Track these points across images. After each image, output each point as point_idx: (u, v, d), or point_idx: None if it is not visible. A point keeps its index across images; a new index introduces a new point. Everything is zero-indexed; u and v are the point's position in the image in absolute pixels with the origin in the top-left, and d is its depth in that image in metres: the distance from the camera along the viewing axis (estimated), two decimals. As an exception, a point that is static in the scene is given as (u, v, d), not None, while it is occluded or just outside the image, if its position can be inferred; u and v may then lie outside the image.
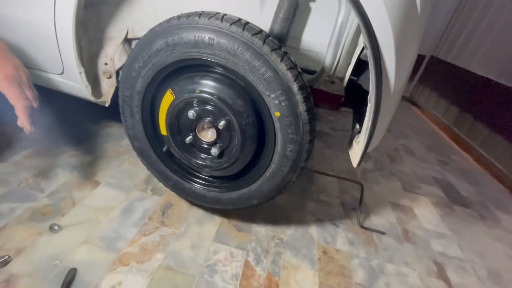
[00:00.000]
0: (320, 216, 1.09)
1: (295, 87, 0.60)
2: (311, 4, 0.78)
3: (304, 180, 1.29)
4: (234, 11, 0.80)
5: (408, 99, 3.11)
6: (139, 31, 0.86)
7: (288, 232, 0.98)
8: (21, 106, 0.55)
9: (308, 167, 1.38)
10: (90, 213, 0.89)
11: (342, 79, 0.85)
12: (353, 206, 1.18)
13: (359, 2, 0.46)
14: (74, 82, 0.80)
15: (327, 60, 0.77)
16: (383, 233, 1.07)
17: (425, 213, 1.25)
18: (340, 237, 1.01)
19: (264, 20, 0.80)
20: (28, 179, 0.96)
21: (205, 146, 0.76)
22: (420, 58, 2.99)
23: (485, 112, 1.96)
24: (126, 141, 1.29)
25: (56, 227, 0.80)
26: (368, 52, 0.51)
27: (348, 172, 1.42)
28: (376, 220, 1.14)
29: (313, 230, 1.01)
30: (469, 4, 2.46)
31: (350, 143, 0.81)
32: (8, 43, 0.60)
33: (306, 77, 0.89)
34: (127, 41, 0.89)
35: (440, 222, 1.22)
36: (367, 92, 0.62)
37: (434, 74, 2.77)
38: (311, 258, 0.90)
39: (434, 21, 2.85)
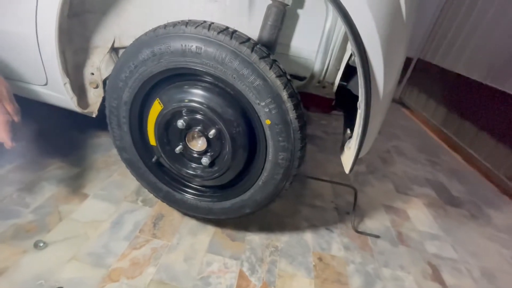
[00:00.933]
0: (315, 221, 1.08)
1: (284, 94, 0.60)
2: (299, 11, 0.79)
3: (298, 185, 1.28)
4: (223, 20, 0.80)
5: (398, 101, 3.16)
6: (126, 40, 0.85)
7: (283, 239, 0.97)
8: (1, 121, 0.53)
9: (301, 173, 1.38)
10: (77, 227, 0.86)
11: (332, 84, 0.85)
12: (347, 210, 1.18)
13: (345, 9, 0.46)
14: (58, 94, 0.78)
15: (316, 66, 0.78)
16: (378, 236, 1.07)
17: (419, 215, 1.26)
18: (335, 242, 1.01)
19: (253, 27, 0.79)
20: (12, 194, 0.93)
21: (195, 155, 0.74)
22: (408, 61, 3.05)
23: (471, 112, 2.00)
24: (115, 151, 1.26)
25: (41, 244, 0.77)
26: (356, 59, 0.51)
27: (341, 176, 1.42)
28: (371, 224, 1.14)
29: (308, 237, 1.00)
30: (453, 7, 2.53)
31: (341, 148, 0.80)
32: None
33: (297, 83, 0.89)
34: (114, 50, 0.87)
35: (433, 223, 1.22)
36: (357, 97, 0.62)
37: (422, 76, 2.83)
38: (307, 265, 0.89)
39: (420, 23, 2.92)
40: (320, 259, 0.92)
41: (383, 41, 0.49)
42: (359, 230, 1.08)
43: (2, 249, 0.75)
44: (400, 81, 3.15)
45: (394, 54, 0.54)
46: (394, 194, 1.38)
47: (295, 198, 1.19)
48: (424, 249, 1.07)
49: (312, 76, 0.80)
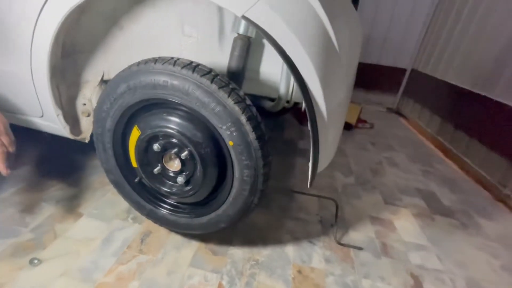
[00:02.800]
0: (298, 234, 1.12)
1: (243, 118, 0.67)
2: (264, 41, 0.87)
3: (284, 198, 1.32)
4: (197, 52, 0.90)
5: (395, 111, 3.18)
6: (114, 73, 0.95)
7: (264, 253, 1.00)
8: (-3, 152, 0.62)
9: (288, 186, 1.42)
10: (70, 245, 0.93)
11: (300, 104, 0.92)
12: (331, 223, 1.21)
13: (281, 48, 0.54)
14: (53, 124, 0.88)
15: (281, 89, 0.85)
16: (360, 248, 1.09)
17: (405, 225, 1.27)
18: (317, 254, 1.03)
19: (225, 58, 0.88)
20: (13, 215, 1.02)
21: (172, 175, 0.81)
22: (402, 71, 3.10)
23: (464, 120, 2.01)
24: (111, 172, 1.35)
25: (36, 261, 0.84)
26: (297, 85, 0.58)
27: (329, 188, 1.45)
28: (355, 236, 1.16)
29: (290, 250, 1.04)
30: (441, 17, 2.59)
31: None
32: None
33: (268, 103, 0.96)
34: (104, 82, 0.98)
35: (420, 234, 1.23)
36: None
37: (416, 86, 2.86)
38: (285, 278, 0.92)
39: (411, 34, 2.99)
40: (299, 271, 0.95)
41: (317, 69, 0.56)
42: (342, 242, 1.10)
43: (1, 266, 0.82)
44: (396, 92, 3.18)
45: (331, 79, 0.61)
46: (381, 205, 1.39)
47: (280, 211, 1.23)
48: (407, 260, 1.07)
49: (280, 97, 0.87)
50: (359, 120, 2.49)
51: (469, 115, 1.97)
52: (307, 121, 0.62)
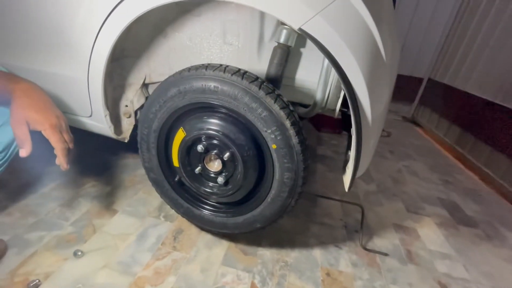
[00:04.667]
0: (324, 239, 1.13)
1: (288, 123, 0.70)
2: (302, 50, 0.91)
3: (308, 204, 1.35)
4: (236, 59, 0.94)
5: (410, 120, 3.18)
6: (155, 77, 1.01)
7: (292, 255, 1.03)
8: (60, 148, 0.67)
9: (311, 191, 1.44)
10: (109, 239, 0.97)
11: (334, 110, 0.95)
12: (356, 228, 1.22)
13: (333, 56, 0.57)
14: (100, 123, 0.93)
15: (318, 96, 0.88)
16: (386, 254, 1.10)
17: (429, 234, 1.27)
18: (343, 259, 1.05)
19: (262, 64, 0.93)
20: (54, 209, 1.07)
21: (212, 175, 0.85)
22: (418, 81, 3.10)
23: (485, 131, 2.00)
24: (140, 172, 1.40)
25: (79, 253, 0.89)
26: (346, 94, 0.61)
27: (351, 195, 1.47)
28: (379, 242, 1.17)
29: (317, 253, 1.06)
30: (461, 26, 2.59)
31: (343, 168, 0.88)
32: (49, 94, 0.73)
33: (302, 110, 0.99)
34: (145, 85, 1.03)
35: (445, 243, 1.23)
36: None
37: (433, 95, 2.86)
38: (315, 280, 0.94)
39: (429, 44, 3.01)
40: (328, 274, 0.97)
41: (366, 79, 0.59)
42: (368, 247, 1.12)
43: (48, 256, 0.87)
44: (412, 101, 3.18)
45: (377, 88, 0.64)
46: (404, 213, 1.40)
47: (305, 216, 1.26)
48: (434, 268, 1.08)
49: (315, 103, 0.91)
50: (376, 128, 2.49)
51: (490, 126, 1.96)
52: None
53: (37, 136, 0.68)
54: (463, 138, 2.24)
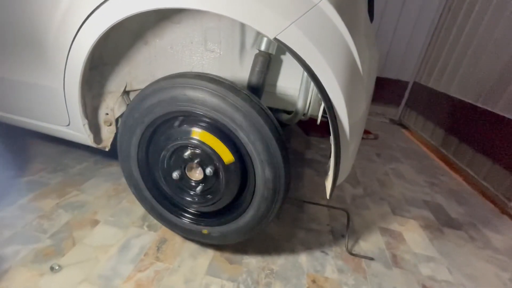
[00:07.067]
0: (310, 244, 1.13)
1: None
2: (283, 57, 0.91)
3: (295, 209, 1.34)
4: (219, 68, 0.94)
5: (397, 123, 3.23)
6: (136, 85, 0.99)
7: (278, 262, 1.02)
8: None
9: (298, 196, 1.44)
10: (89, 251, 0.94)
11: (316, 117, 0.96)
12: (342, 233, 1.22)
13: (310, 68, 0.58)
14: (78, 132, 0.91)
15: (300, 102, 0.88)
16: (371, 259, 1.10)
17: (414, 237, 1.29)
18: (329, 265, 1.05)
19: (244, 72, 0.93)
20: (32, 221, 1.03)
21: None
22: (404, 84, 3.17)
23: (467, 133, 2.05)
24: (125, 180, 1.37)
25: (56, 267, 0.86)
26: (323, 102, 0.62)
27: (338, 199, 1.48)
28: (365, 246, 1.17)
29: (303, 259, 1.05)
30: (443, 32, 2.67)
31: (326, 174, 0.88)
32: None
33: (285, 116, 1.00)
34: (126, 93, 1.01)
35: (430, 246, 1.24)
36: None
37: (419, 98, 2.92)
38: (300, 287, 0.93)
39: (413, 48, 3.08)
40: (313, 281, 0.96)
41: (342, 87, 0.59)
42: (354, 252, 1.12)
43: (23, 272, 0.84)
44: (398, 104, 3.24)
45: (354, 95, 0.64)
46: (390, 217, 1.41)
47: (292, 222, 1.25)
48: (418, 271, 1.09)
49: (297, 110, 0.91)
50: (364, 131, 2.53)
51: (473, 129, 2.01)
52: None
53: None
54: (447, 140, 2.29)
